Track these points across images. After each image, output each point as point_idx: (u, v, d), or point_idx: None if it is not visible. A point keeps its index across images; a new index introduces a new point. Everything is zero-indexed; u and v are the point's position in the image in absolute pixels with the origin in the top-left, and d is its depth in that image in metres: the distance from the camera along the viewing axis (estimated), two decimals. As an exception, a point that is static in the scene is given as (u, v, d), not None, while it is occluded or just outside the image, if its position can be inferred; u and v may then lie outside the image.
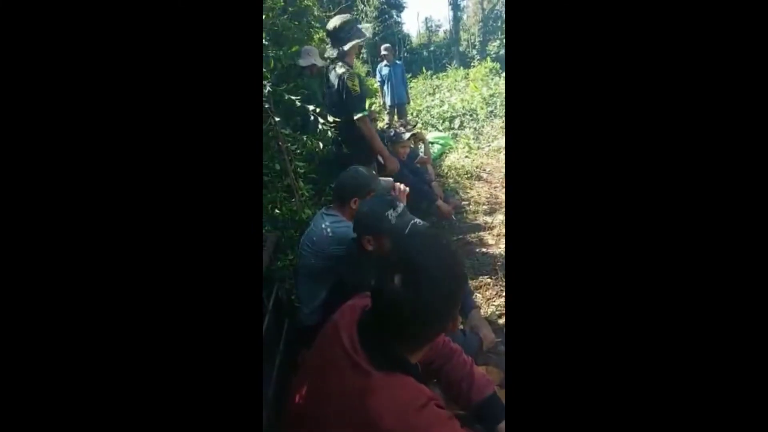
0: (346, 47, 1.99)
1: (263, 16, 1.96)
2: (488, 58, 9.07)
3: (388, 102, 4.92)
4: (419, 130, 3.49)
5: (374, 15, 11.05)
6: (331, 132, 1.97)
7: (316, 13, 2.83)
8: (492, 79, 7.20)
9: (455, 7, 13.00)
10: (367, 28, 2.04)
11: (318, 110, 1.75)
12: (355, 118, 1.97)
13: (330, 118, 2.01)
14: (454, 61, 11.52)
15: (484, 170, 3.63)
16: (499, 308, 1.81)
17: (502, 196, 2.93)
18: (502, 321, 1.71)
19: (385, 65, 4.82)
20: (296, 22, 2.51)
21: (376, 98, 5.24)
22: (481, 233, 2.49)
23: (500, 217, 2.64)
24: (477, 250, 2.32)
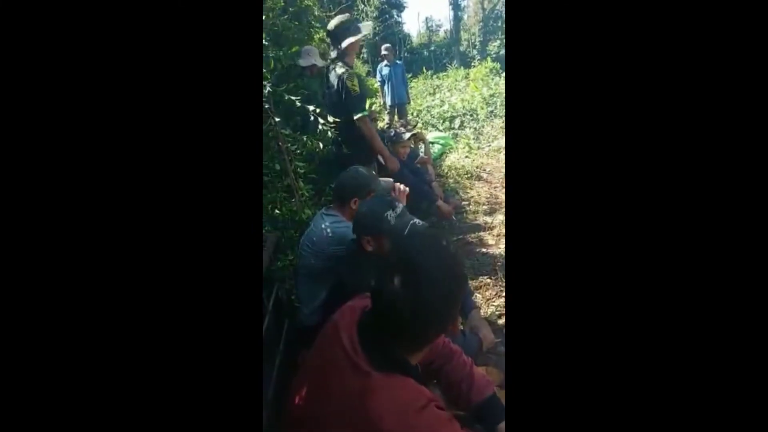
0: (344, 44, 2.00)
1: (263, 17, 1.96)
2: (489, 58, 9.07)
3: (388, 102, 4.92)
4: (419, 130, 3.50)
5: (374, 15, 11.06)
6: (331, 132, 1.97)
7: (316, 13, 2.83)
8: (492, 79, 7.20)
9: (456, 6, 13.00)
10: (366, 26, 2.03)
11: (318, 110, 1.75)
12: (355, 118, 1.97)
13: (330, 119, 2.01)
14: (455, 61, 11.53)
15: (485, 170, 3.63)
16: (498, 309, 1.81)
17: (502, 197, 2.93)
18: (501, 321, 1.71)
19: (386, 65, 4.82)
20: (296, 23, 2.51)
21: (377, 98, 5.24)
22: (481, 233, 2.49)
23: (500, 218, 2.64)
24: (477, 250, 2.32)
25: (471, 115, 5.42)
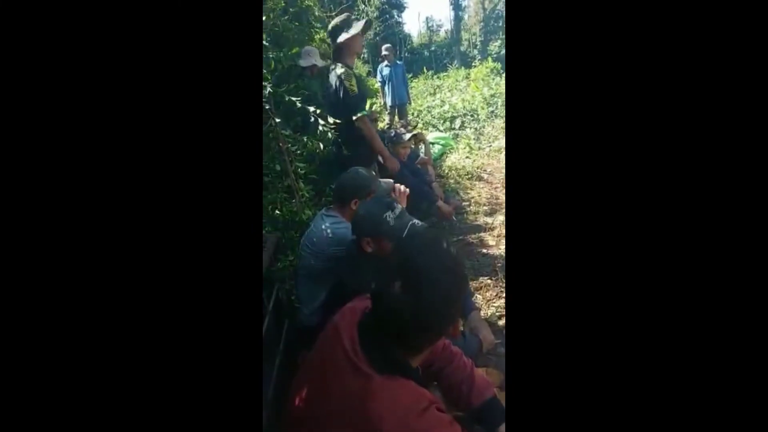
0: (339, 40, 2.01)
1: (264, 17, 1.97)
2: (489, 58, 9.07)
3: (389, 102, 4.92)
4: (420, 131, 3.50)
5: (375, 15, 11.07)
6: (332, 133, 1.97)
7: (316, 13, 2.83)
8: (493, 79, 7.20)
9: (456, 6, 13.01)
10: (357, 25, 2.03)
11: (318, 111, 1.75)
12: (354, 118, 1.97)
13: (330, 119, 2.01)
14: (455, 61, 11.54)
15: (485, 171, 3.62)
16: (499, 310, 1.80)
17: (503, 197, 2.93)
18: (502, 322, 1.71)
19: (386, 65, 4.82)
20: (297, 23, 2.51)
21: (377, 98, 5.24)
22: (482, 234, 2.49)
23: (501, 218, 2.64)
24: (477, 251, 2.32)
25: (472, 116, 5.42)
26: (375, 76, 5.44)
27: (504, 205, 2.75)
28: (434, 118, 5.54)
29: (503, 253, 2.21)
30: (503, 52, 10.48)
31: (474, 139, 4.58)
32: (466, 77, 8.08)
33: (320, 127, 1.77)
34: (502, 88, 6.14)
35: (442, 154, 4.06)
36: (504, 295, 1.87)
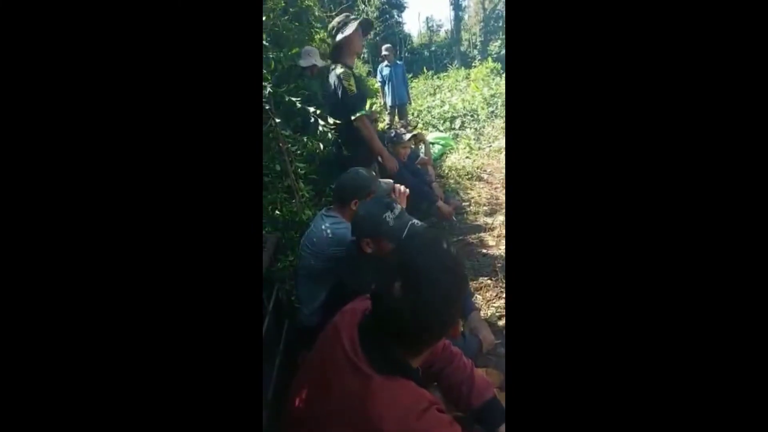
0: (337, 38, 2.02)
1: (264, 17, 1.97)
2: (489, 58, 9.07)
3: (389, 102, 4.92)
4: (420, 131, 3.49)
5: (375, 15, 11.07)
6: (332, 133, 1.98)
7: (316, 13, 2.83)
8: (493, 79, 7.20)
9: (456, 7, 13.02)
10: (352, 25, 2.04)
11: (318, 111, 1.75)
12: (352, 118, 1.97)
13: (330, 120, 2.01)
14: (455, 61, 11.54)
15: (485, 171, 3.62)
16: (499, 310, 1.80)
17: (503, 197, 2.93)
18: (502, 323, 1.71)
19: (386, 65, 4.82)
20: (297, 23, 2.51)
21: (377, 98, 5.24)
22: (482, 234, 2.49)
23: (501, 218, 2.64)
24: (477, 251, 2.32)
25: (472, 116, 5.42)
26: (375, 76, 5.44)
27: (504, 205, 2.75)
28: (434, 118, 5.54)
29: (503, 254, 2.21)
30: (503, 52, 10.48)
31: (474, 139, 4.58)
32: (466, 77, 8.08)
33: (320, 128, 1.77)
34: (502, 88, 6.14)
35: (442, 155, 4.06)
36: (504, 295, 1.87)
